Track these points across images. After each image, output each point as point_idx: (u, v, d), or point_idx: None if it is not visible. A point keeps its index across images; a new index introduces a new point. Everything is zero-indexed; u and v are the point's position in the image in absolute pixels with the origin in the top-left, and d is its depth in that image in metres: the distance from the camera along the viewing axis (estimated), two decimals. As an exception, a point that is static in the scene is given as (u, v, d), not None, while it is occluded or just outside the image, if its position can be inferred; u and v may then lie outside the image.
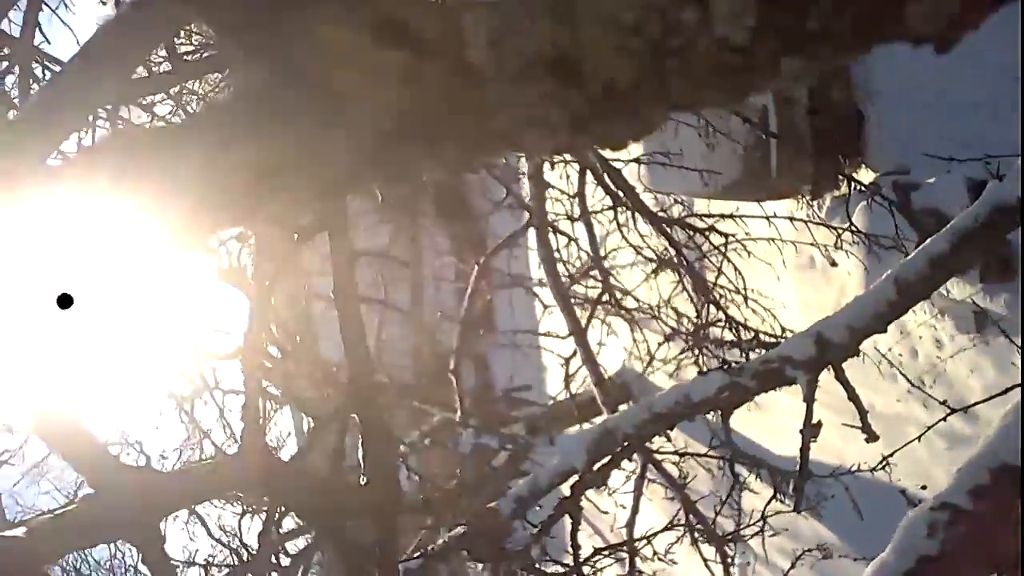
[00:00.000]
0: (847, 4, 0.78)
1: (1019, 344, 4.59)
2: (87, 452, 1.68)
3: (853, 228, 6.75)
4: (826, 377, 3.06)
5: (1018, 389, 3.08)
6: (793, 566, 5.89)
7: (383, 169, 0.85)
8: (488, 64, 0.81)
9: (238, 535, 7.04)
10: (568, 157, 6.80)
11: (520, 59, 0.80)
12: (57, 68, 4.55)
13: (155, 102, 5.98)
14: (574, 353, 7.54)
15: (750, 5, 0.77)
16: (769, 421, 7.12)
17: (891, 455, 3.56)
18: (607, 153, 6.21)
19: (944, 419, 3.50)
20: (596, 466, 3.15)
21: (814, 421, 3.08)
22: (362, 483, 2.09)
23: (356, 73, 0.81)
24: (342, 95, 0.81)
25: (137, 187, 0.86)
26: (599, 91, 0.81)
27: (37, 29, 3.78)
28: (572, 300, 7.48)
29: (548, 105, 0.81)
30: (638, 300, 8.28)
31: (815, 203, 7.70)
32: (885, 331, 2.82)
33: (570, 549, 3.73)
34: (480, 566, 3.55)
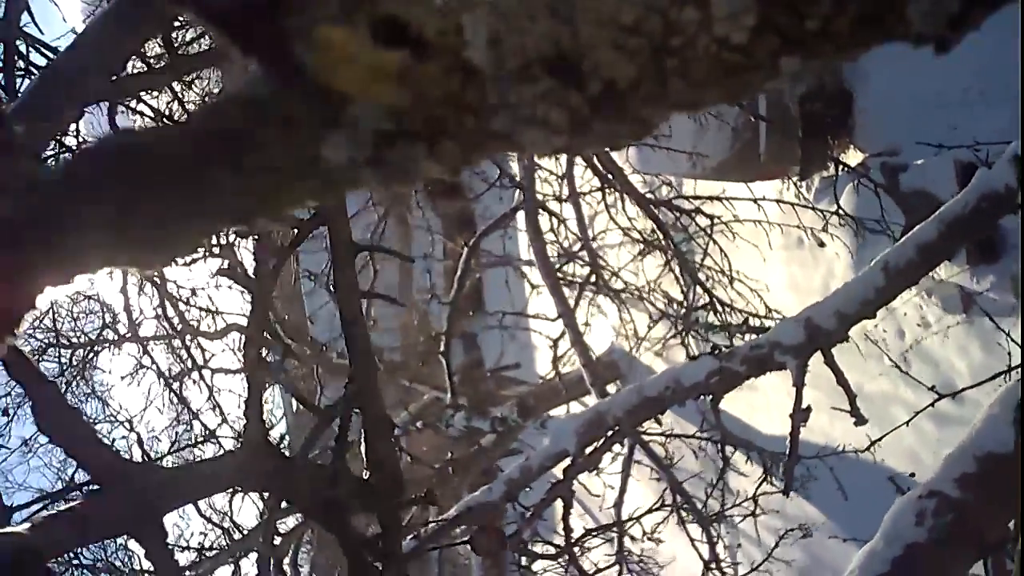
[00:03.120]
0: (847, 3, 0.78)
1: (1004, 328, 4.62)
2: (88, 446, 1.68)
3: (840, 211, 6.78)
4: (814, 357, 3.07)
5: (1005, 374, 3.11)
6: (777, 545, 5.94)
7: (382, 169, 0.84)
8: (488, 64, 0.80)
9: (229, 515, 7.07)
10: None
11: (520, 59, 0.79)
12: (41, 47, 4.50)
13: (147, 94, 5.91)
14: (563, 333, 7.56)
15: (750, 5, 0.77)
16: (756, 399, 7.17)
17: (879, 440, 3.59)
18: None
19: (932, 405, 3.52)
20: (588, 450, 3.17)
21: (803, 405, 3.10)
22: (366, 478, 2.10)
23: (355, 72, 0.81)
24: (340, 95, 0.81)
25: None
26: (599, 91, 0.81)
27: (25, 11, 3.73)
28: (560, 280, 7.49)
29: (548, 105, 0.81)
30: (625, 282, 8.30)
31: (803, 184, 7.71)
32: (874, 317, 2.83)
33: (561, 531, 3.76)
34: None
